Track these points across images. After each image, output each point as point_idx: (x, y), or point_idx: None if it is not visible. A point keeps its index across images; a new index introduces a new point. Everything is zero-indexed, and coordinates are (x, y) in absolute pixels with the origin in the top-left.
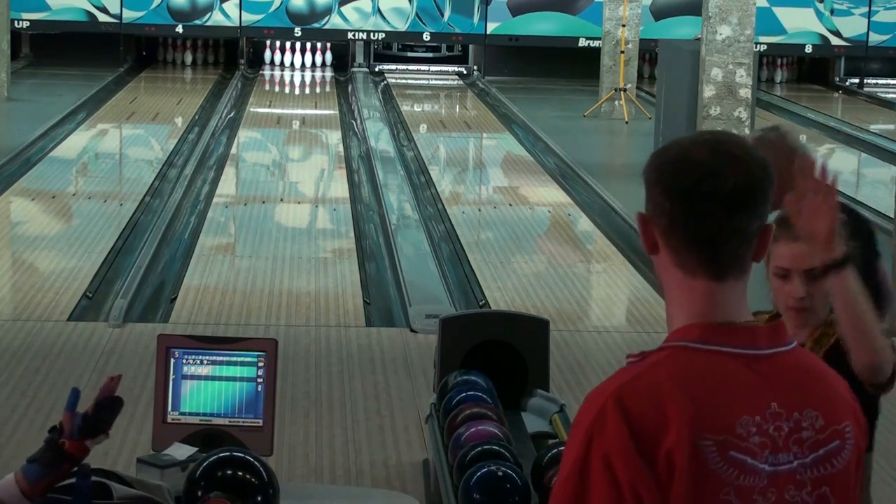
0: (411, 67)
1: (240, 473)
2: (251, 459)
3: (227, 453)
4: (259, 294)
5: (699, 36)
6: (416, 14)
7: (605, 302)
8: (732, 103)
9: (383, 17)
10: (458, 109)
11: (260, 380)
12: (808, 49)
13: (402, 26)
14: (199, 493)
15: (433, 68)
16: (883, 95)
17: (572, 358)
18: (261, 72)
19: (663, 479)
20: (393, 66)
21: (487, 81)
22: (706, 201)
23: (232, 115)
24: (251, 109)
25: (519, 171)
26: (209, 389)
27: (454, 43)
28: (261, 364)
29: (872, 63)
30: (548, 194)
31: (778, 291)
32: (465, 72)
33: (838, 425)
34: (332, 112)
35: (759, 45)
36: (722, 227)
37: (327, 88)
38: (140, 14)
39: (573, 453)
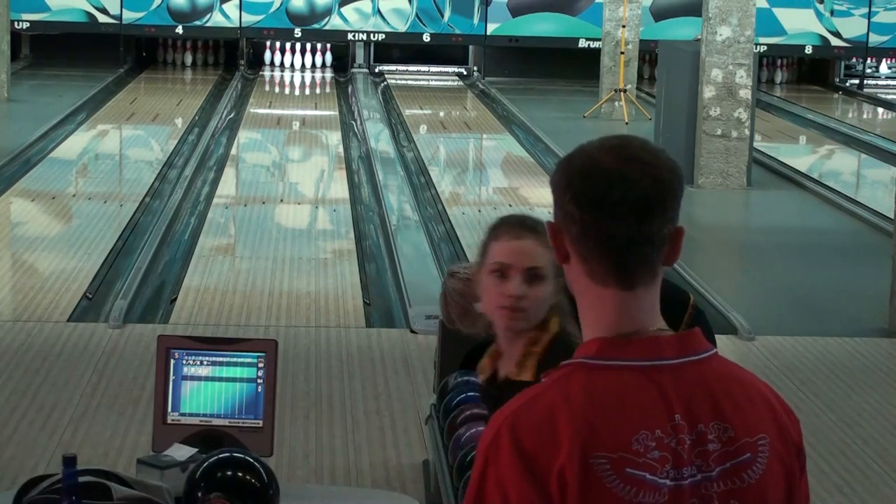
0: (411, 68)
1: (240, 474)
2: (251, 460)
3: (227, 454)
4: (259, 295)
5: (699, 37)
6: (416, 15)
7: None
8: (732, 104)
9: (383, 18)
10: (458, 110)
11: (260, 380)
12: (808, 50)
13: (402, 27)
14: (199, 494)
15: (433, 69)
16: (883, 96)
17: None
18: (261, 73)
19: (556, 502)
20: (393, 67)
21: (487, 82)
22: (616, 209)
23: (232, 115)
24: (251, 110)
25: (519, 172)
26: (209, 390)
27: (455, 44)
28: (261, 365)
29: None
30: (548, 195)
31: (492, 290)
32: (465, 73)
33: (750, 438)
34: (332, 113)
35: (759, 46)
36: (632, 235)
37: (327, 89)
38: (140, 15)
39: (474, 475)
